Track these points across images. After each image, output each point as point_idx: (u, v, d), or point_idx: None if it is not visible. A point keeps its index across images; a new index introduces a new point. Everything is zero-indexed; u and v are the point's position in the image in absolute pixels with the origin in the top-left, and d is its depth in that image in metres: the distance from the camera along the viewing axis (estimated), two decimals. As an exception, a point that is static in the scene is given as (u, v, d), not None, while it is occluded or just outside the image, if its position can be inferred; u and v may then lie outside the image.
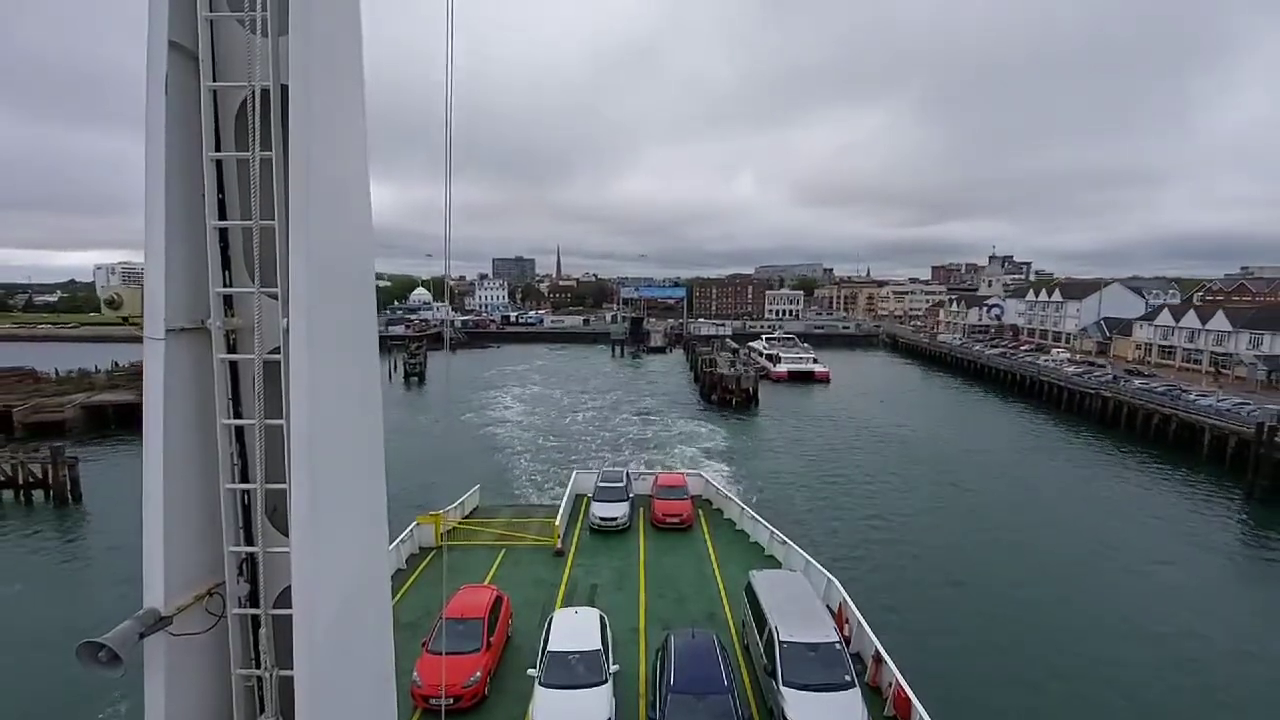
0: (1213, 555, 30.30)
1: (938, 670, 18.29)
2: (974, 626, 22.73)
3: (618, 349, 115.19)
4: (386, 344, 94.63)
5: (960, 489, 39.53)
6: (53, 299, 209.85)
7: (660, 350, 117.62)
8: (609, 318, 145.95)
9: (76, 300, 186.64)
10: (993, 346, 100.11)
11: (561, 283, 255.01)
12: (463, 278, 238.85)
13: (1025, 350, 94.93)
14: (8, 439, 46.06)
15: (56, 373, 64.73)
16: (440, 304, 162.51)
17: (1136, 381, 60.54)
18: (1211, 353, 71.36)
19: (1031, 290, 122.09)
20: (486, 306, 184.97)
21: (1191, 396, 52.82)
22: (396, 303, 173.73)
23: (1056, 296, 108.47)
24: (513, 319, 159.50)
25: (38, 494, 35.04)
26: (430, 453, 46.09)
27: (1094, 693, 19.10)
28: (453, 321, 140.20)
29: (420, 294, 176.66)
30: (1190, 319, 75.12)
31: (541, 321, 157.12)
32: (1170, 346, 78.04)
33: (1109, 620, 23.26)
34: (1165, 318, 79.11)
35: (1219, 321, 70.80)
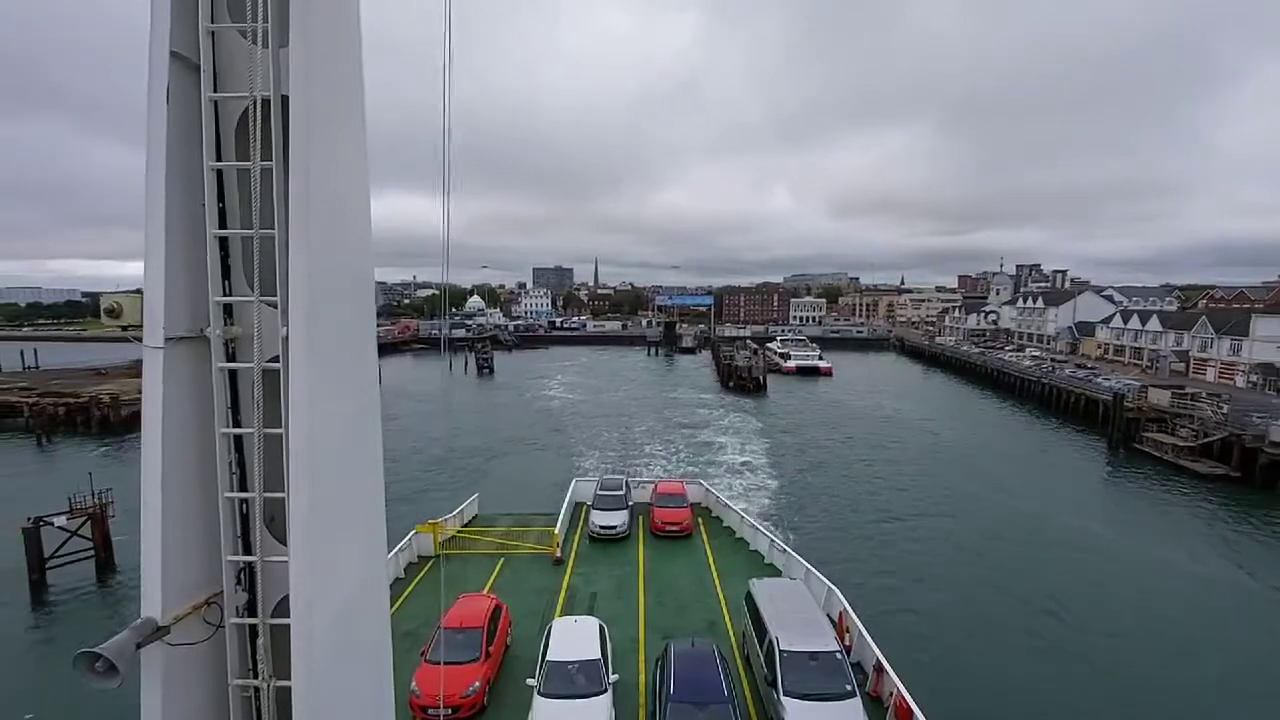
0: (1080, 478, 46.04)
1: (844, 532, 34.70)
2: (848, 502, 39.48)
3: (653, 349, 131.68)
4: (452, 345, 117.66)
5: (899, 434, 56.21)
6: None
7: (690, 351, 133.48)
8: (645, 323, 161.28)
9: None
10: (976, 346, 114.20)
11: (600, 291, 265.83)
12: (503, 286, 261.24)
13: (1009, 350, 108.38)
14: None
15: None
16: (493, 310, 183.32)
17: (1066, 370, 75.56)
18: (1148, 349, 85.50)
19: (1020, 298, 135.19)
20: (533, 313, 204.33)
21: (1099, 380, 67.71)
22: (454, 309, 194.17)
23: (1039, 304, 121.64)
24: (558, 324, 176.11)
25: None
26: (515, 417, 65.17)
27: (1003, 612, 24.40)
28: (505, 326, 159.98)
29: (475, 302, 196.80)
30: (1134, 322, 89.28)
31: (584, 326, 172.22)
32: (1121, 345, 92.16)
33: (1029, 546, 31.41)
34: (1117, 321, 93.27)
35: (1153, 324, 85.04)
